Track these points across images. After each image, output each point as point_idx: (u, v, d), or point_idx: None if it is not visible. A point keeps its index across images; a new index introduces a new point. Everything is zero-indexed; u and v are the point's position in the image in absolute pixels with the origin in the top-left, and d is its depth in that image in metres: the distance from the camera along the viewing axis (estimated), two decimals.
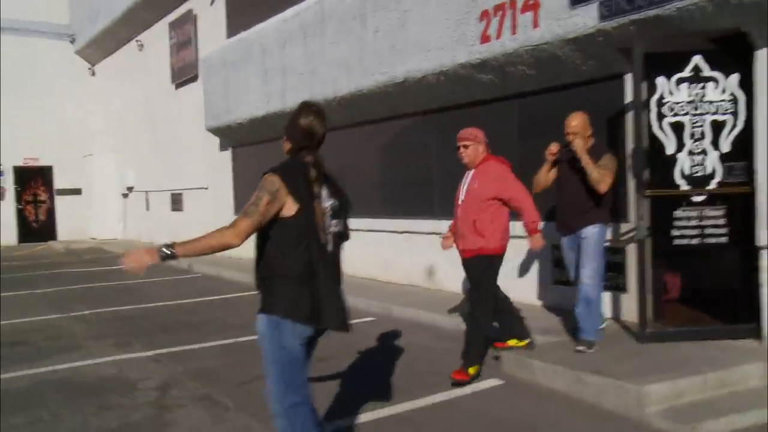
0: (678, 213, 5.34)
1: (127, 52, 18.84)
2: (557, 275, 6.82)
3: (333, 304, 2.88)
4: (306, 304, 2.81)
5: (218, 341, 6.60)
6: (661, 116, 5.32)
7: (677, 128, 5.31)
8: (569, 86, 6.65)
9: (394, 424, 4.25)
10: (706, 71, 5.26)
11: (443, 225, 5.43)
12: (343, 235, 3.01)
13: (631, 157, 5.83)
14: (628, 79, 5.90)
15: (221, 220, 12.99)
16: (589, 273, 5.16)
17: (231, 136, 13.20)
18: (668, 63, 5.28)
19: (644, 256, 5.32)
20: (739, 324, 5.27)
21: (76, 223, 20.73)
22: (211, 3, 13.83)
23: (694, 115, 5.28)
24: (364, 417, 4.31)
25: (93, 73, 21.26)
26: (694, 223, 5.33)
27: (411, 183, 8.98)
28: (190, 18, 14.83)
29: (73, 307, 8.92)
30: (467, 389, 4.83)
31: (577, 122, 5.19)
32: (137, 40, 17.83)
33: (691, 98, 5.27)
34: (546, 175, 5.49)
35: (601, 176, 5.03)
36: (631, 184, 5.82)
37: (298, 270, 2.81)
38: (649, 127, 5.33)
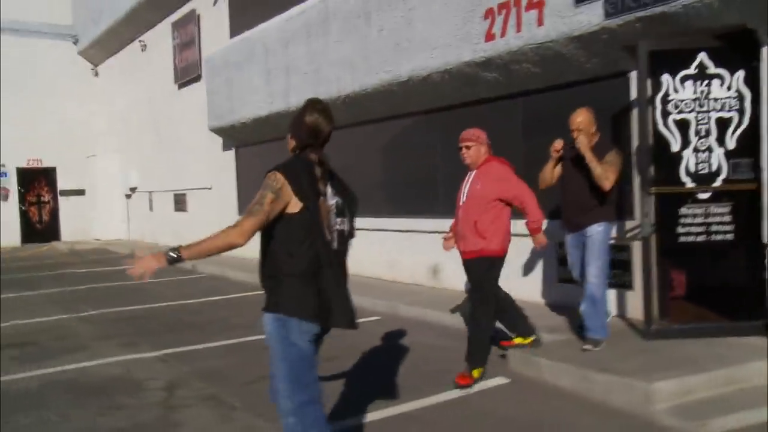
0: (683, 210, 5.34)
1: (130, 52, 18.86)
2: (562, 273, 6.81)
3: (339, 301, 2.87)
4: (312, 301, 2.81)
5: (224, 341, 6.61)
6: (666, 114, 5.31)
7: (682, 125, 5.30)
8: (574, 84, 6.65)
9: (402, 422, 4.25)
10: (712, 68, 5.25)
11: (448, 224, 5.42)
12: (348, 234, 2.99)
13: (636, 155, 5.83)
14: (633, 77, 5.90)
15: (225, 220, 13.00)
16: (595, 272, 5.14)
17: (234, 136, 13.21)
18: (673, 60, 5.27)
19: (649, 253, 5.31)
20: (746, 321, 5.25)
21: (80, 223, 20.75)
22: (214, 3, 13.83)
23: (699, 112, 5.27)
24: (372, 416, 4.31)
25: (96, 74, 21.28)
26: (699, 220, 5.32)
27: (415, 182, 8.98)
28: (193, 18, 14.84)
29: (79, 307, 8.94)
30: (474, 387, 4.83)
31: (581, 118, 5.16)
32: (140, 41, 17.84)
33: (696, 95, 5.26)
34: (551, 172, 5.47)
35: (605, 173, 5.00)
36: (636, 181, 5.81)
37: (303, 267, 2.80)
38: (654, 124, 5.33)
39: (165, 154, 16.92)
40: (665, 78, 5.29)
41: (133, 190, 19.29)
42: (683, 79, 5.28)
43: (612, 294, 6.11)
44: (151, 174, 17.95)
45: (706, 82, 5.25)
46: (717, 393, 4.33)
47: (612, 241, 5.54)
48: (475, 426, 4.20)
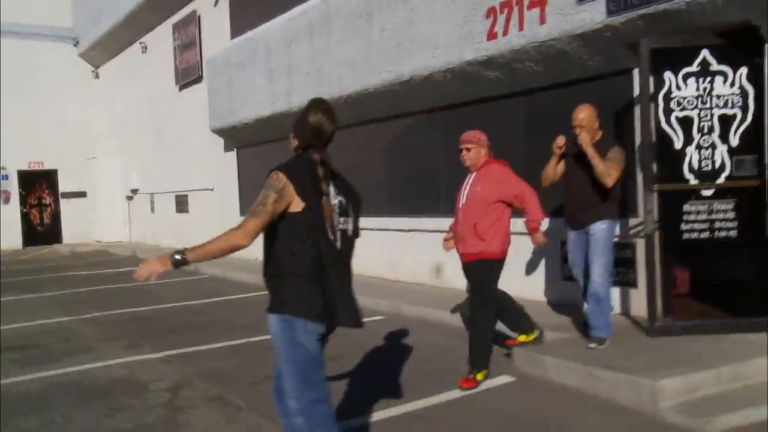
0: (687, 207, 5.34)
1: (130, 54, 18.86)
2: (566, 271, 6.79)
3: (344, 300, 2.86)
4: (317, 301, 2.81)
5: (227, 342, 6.60)
6: (668, 111, 5.31)
7: (685, 123, 5.30)
8: (576, 82, 6.64)
9: (408, 421, 4.24)
10: (715, 65, 5.25)
11: (450, 223, 5.40)
12: (353, 233, 2.99)
13: (639, 152, 5.82)
14: (636, 75, 5.89)
15: (227, 221, 13.01)
16: (599, 270, 5.13)
17: (236, 136, 13.21)
18: (676, 58, 5.27)
19: (653, 250, 5.31)
20: (750, 318, 5.25)
21: (81, 226, 20.75)
22: (215, 4, 13.83)
23: (702, 109, 5.26)
24: (377, 415, 4.31)
25: (96, 76, 21.29)
26: (703, 217, 5.32)
27: (417, 181, 8.98)
28: (193, 19, 14.84)
29: (81, 309, 8.93)
30: (479, 386, 4.82)
31: (584, 115, 5.14)
32: (141, 42, 17.84)
33: (699, 93, 5.26)
34: (554, 169, 5.44)
35: (607, 170, 4.97)
36: (640, 178, 5.80)
37: (306, 267, 2.80)
38: (657, 121, 5.32)
39: (166, 155, 16.92)
40: (668, 75, 5.29)
41: (134, 191, 19.29)
42: (686, 77, 5.27)
43: (616, 292, 6.10)
44: (152, 176, 17.95)
45: (708, 79, 5.25)
46: (723, 390, 4.33)
47: (615, 239, 5.53)
48: (480, 425, 4.20)
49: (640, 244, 5.94)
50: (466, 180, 5.07)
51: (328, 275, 2.82)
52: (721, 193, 5.30)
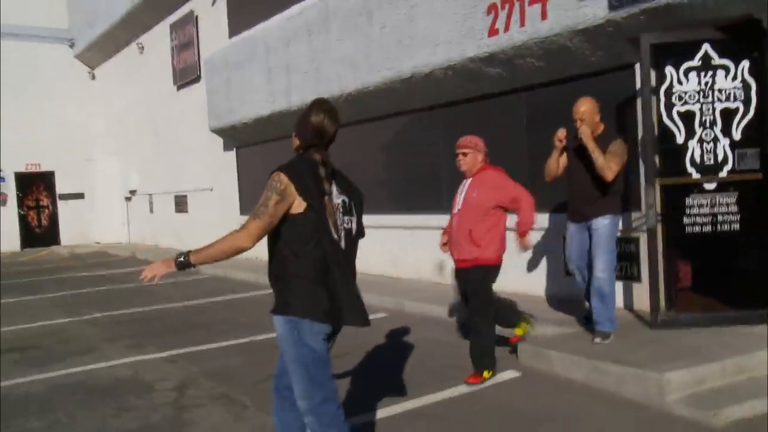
0: (689, 201, 5.34)
1: (127, 54, 18.83)
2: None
3: (350, 300, 2.85)
4: (323, 302, 2.79)
5: (231, 341, 6.60)
6: (670, 105, 5.32)
7: (687, 117, 5.31)
8: (578, 77, 6.63)
9: (412, 418, 4.24)
10: (716, 59, 5.26)
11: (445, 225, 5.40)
12: (357, 232, 2.98)
13: (641, 146, 5.83)
14: (638, 69, 5.88)
15: (227, 221, 13.01)
16: (602, 266, 5.11)
17: (235, 136, 13.19)
18: (677, 53, 5.28)
19: (655, 244, 5.31)
20: (753, 310, 5.25)
21: (80, 227, 20.70)
22: (213, 3, 13.81)
23: (704, 103, 5.27)
24: (383, 412, 4.31)
25: (93, 77, 21.24)
26: (705, 210, 5.33)
27: (419, 178, 8.98)
28: (191, 19, 14.82)
29: (83, 310, 8.92)
30: (485, 383, 4.82)
31: (585, 108, 5.10)
32: (138, 43, 17.80)
33: (701, 87, 5.27)
34: (556, 163, 5.38)
35: (607, 163, 4.94)
36: (642, 172, 5.81)
37: (310, 267, 2.79)
38: (659, 116, 5.33)
39: (164, 155, 16.89)
40: (669, 70, 5.30)
41: (132, 192, 19.26)
42: (687, 71, 5.28)
43: (619, 286, 6.10)
44: (151, 176, 17.93)
45: (710, 73, 5.26)
46: (729, 382, 4.34)
47: (618, 234, 5.53)
48: (487, 420, 4.20)
49: (644, 239, 5.94)
50: (462, 185, 5.05)
51: (333, 275, 2.81)
52: (723, 187, 5.31)
